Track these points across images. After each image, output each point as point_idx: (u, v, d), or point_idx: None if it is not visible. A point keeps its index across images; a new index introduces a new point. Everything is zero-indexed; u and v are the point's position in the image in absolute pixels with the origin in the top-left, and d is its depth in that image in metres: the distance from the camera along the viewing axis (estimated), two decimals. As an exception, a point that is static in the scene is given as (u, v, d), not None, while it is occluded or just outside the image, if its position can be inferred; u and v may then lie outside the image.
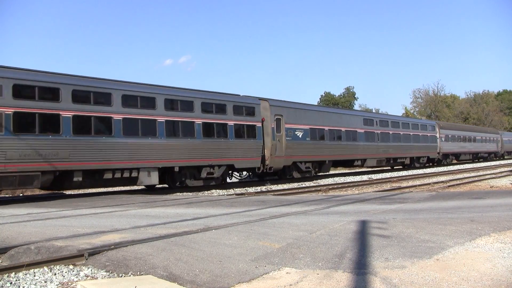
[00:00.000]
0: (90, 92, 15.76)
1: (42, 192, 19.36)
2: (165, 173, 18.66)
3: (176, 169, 18.41)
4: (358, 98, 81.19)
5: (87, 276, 5.58)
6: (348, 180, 24.72)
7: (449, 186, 19.50)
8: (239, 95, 22.57)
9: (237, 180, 23.92)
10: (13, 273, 5.68)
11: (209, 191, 19.11)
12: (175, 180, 19.07)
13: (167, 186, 19.86)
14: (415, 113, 78.68)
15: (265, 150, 22.18)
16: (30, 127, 14.05)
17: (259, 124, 21.91)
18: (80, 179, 15.35)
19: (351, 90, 75.88)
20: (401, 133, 34.96)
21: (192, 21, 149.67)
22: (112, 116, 16.12)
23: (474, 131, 51.64)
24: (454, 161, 48.57)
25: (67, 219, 10.02)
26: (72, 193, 18.91)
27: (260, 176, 24.56)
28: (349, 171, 35.41)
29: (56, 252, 6.44)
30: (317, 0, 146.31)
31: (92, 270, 5.73)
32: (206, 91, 20.72)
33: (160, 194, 17.69)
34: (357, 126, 29.63)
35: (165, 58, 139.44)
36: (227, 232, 7.72)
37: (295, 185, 22.57)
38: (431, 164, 41.57)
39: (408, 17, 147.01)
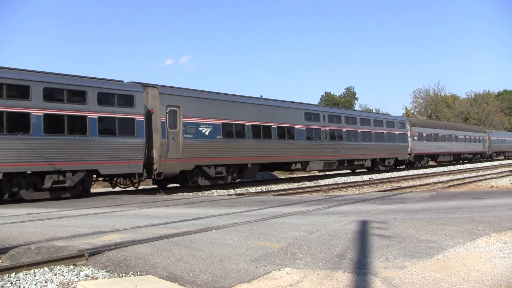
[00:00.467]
0: None
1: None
2: None
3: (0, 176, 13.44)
4: (358, 98, 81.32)
5: (87, 276, 5.58)
6: (349, 180, 24.71)
7: (449, 186, 19.50)
8: (117, 81, 17.43)
9: (122, 189, 18.51)
10: (14, 273, 5.68)
11: (209, 191, 19.11)
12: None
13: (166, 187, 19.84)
14: (415, 113, 78.66)
15: (153, 151, 17.52)
16: None
17: (140, 118, 16.92)
18: None
19: (352, 90, 75.90)
20: (359, 130, 29.79)
21: (192, 21, 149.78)
22: None
23: (455, 129, 46.76)
24: (432, 163, 43.91)
25: (68, 219, 10.02)
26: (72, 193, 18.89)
27: (159, 182, 19.94)
28: (349, 171, 34.73)
29: (57, 252, 6.44)
30: (317, 0, 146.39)
31: (93, 270, 5.74)
32: (51, 73, 15.38)
33: (160, 195, 17.69)
34: (295, 122, 24.42)
35: (165, 58, 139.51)
36: (228, 232, 7.72)
37: (296, 185, 22.57)
38: (398, 167, 36.67)
39: (408, 17, 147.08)
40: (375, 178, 25.63)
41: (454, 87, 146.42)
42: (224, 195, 17.41)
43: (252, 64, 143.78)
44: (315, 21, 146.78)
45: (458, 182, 21.43)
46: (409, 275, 5.05)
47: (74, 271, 5.76)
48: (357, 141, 29.43)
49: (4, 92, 13.65)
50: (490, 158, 55.67)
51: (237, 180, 22.15)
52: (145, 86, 17.84)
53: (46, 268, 5.86)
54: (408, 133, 35.73)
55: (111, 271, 5.65)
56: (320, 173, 28.77)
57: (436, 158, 42.14)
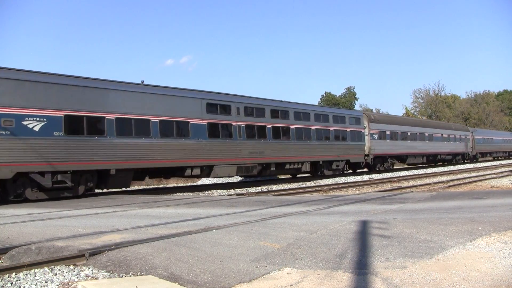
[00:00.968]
0: None
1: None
2: None
3: None
4: (359, 98, 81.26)
5: (87, 276, 5.58)
6: (349, 180, 24.71)
7: (449, 186, 19.50)
8: None
9: None
10: (14, 273, 5.68)
11: (209, 191, 19.11)
12: None
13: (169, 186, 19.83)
14: (415, 113, 78.64)
15: None
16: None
17: None
18: None
19: (352, 90, 75.88)
20: (293, 127, 24.23)
21: (193, 21, 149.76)
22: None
23: (429, 127, 41.22)
24: (400, 165, 38.48)
25: (68, 219, 10.02)
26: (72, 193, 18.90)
27: None
28: (349, 171, 34.56)
29: (57, 252, 6.44)
30: (317, 0, 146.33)
31: (93, 270, 5.74)
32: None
33: (160, 194, 17.70)
34: (190, 114, 18.99)
35: (166, 58, 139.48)
36: (228, 232, 7.72)
37: (296, 185, 22.57)
38: (349, 171, 31.10)
39: (408, 17, 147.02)
40: (375, 178, 25.63)
41: (454, 87, 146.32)
42: (224, 195, 17.41)
43: (252, 64, 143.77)
44: (315, 21, 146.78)
45: (459, 182, 21.43)
46: (410, 275, 5.05)
47: (74, 271, 5.76)
48: (289, 139, 23.95)
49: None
50: (474, 159, 50.85)
51: (96, 191, 17.64)
52: None
53: (46, 268, 5.86)
54: (366, 131, 30.36)
55: (111, 271, 5.65)
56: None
57: (404, 160, 36.43)
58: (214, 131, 19.92)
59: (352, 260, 5.70)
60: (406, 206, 11.29)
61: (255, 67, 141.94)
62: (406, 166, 39.47)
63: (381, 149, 32.13)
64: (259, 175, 23.35)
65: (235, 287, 4.84)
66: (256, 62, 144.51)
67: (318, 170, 26.46)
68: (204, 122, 19.53)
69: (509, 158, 60.90)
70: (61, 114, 15.17)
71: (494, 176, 24.87)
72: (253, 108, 22.25)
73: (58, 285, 5.31)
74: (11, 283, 5.35)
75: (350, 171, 31.68)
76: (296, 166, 24.66)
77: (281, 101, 25.00)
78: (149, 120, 17.50)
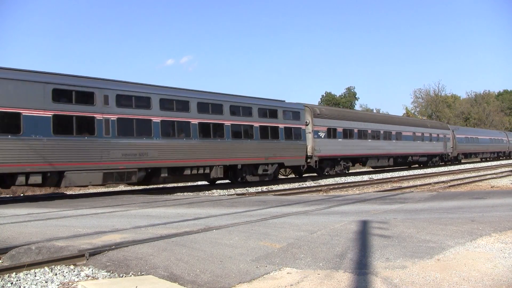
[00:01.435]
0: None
1: (43, 192, 19.38)
2: None
3: None
4: (359, 98, 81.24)
5: (88, 276, 5.58)
6: (349, 180, 24.70)
7: (450, 186, 19.50)
8: None
9: None
10: (14, 273, 5.68)
11: (210, 191, 19.11)
12: None
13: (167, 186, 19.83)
14: (415, 113, 78.65)
15: None
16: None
17: None
18: None
19: (352, 90, 75.90)
20: (195, 121, 18.77)
21: (193, 21, 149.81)
22: None
23: (398, 124, 34.95)
24: (360, 168, 34.75)
25: (68, 219, 10.03)
26: (73, 193, 18.93)
27: None
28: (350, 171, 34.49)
29: (57, 252, 6.44)
30: (317, 0, 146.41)
31: (93, 270, 5.74)
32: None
33: (161, 194, 17.69)
34: (25, 105, 14.06)
35: (166, 58, 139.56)
36: (228, 232, 7.72)
37: (296, 185, 22.57)
38: (291, 177, 26.94)
39: (408, 17, 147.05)
40: (376, 178, 25.63)
41: (455, 87, 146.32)
42: (224, 195, 17.41)
43: (252, 64, 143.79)
44: (315, 21, 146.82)
45: (459, 182, 21.44)
46: (410, 275, 5.05)
47: (74, 271, 5.76)
48: (190, 137, 18.51)
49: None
50: (456, 161, 45.06)
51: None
52: None
53: (46, 268, 5.86)
54: (309, 127, 24.93)
55: (111, 271, 5.65)
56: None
57: (365, 163, 30.96)
58: (65, 126, 14.96)
59: (352, 260, 5.70)
60: (406, 206, 11.29)
61: (255, 67, 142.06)
62: (368, 169, 35.34)
63: (329, 149, 26.27)
64: (144, 183, 18.57)
65: (235, 287, 4.84)
66: (257, 62, 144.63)
67: (238, 175, 21.09)
68: (48, 114, 14.55)
69: (498, 159, 56.00)
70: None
71: (494, 176, 24.87)
72: (132, 96, 17.07)
73: (58, 285, 5.32)
74: (11, 283, 5.36)
75: (292, 175, 26.96)
76: (201, 171, 19.05)
77: (178, 88, 19.31)
78: None
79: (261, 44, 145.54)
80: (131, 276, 5.43)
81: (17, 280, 5.46)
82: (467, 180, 22.17)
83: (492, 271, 5.17)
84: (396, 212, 10.05)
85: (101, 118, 15.93)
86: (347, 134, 28.15)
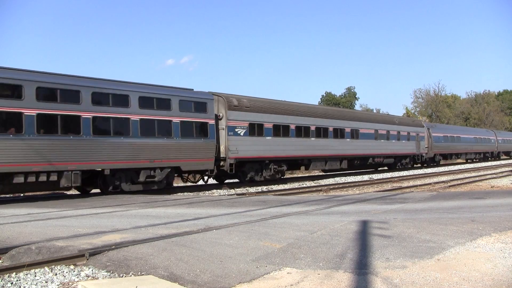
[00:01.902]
0: None
1: (44, 192, 19.39)
2: None
3: None
4: (359, 98, 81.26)
5: (88, 276, 5.58)
6: (349, 180, 24.71)
7: (450, 186, 19.51)
8: None
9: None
10: (14, 273, 5.68)
11: (210, 191, 19.11)
12: None
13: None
14: (415, 113, 78.65)
15: None
16: None
17: None
18: None
19: (352, 90, 75.92)
20: (32, 112, 14.04)
21: (194, 21, 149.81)
22: None
23: (353, 120, 29.07)
24: (302, 173, 30.19)
25: (68, 219, 10.03)
26: (73, 193, 18.93)
27: None
28: (350, 171, 34.23)
29: (57, 252, 6.44)
30: (317, 0, 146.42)
31: (93, 270, 5.74)
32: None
33: (161, 194, 17.69)
34: None
35: (167, 58, 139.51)
36: (228, 232, 7.72)
37: (296, 185, 22.58)
38: (202, 183, 21.40)
39: (408, 17, 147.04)
40: (376, 178, 25.64)
41: (455, 87, 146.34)
42: (224, 195, 17.41)
43: (253, 64, 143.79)
44: (315, 21, 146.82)
45: (459, 182, 21.44)
46: (410, 275, 5.05)
47: (74, 271, 5.76)
48: (22, 133, 13.82)
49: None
50: (433, 162, 40.43)
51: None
52: None
53: (46, 268, 5.86)
54: (222, 122, 20.21)
55: (111, 271, 5.65)
56: (320, 173, 28.52)
57: (307, 165, 25.46)
58: None
59: (352, 260, 5.70)
60: (406, 206, 11.29)
61: (256, 67, 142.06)
62: (314, 173, 30.60)
63: (253, 150, 21.28)
64: None
65: (235, 287, 4.84)
66: (257, 62, 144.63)
67: (108, 184, 16.50)
68: None
69: (485, 161, 51.63)
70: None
71: (494, 176, 24.88)
72: None
73: (58, 285, 5.32)
74: (11, 283, 5.36)
75: (202, 182, 21.43)
76: (44, 178, 14.32)
77: (8, 68, 14.29)
78: None
79: (262, 44, 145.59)
80: (131, 276, 5.43)
81: (17, 280, 5.46)
82: (467, 180, 22.17)
83: (492, 271, 5.16)
84: (396, 212, 10.05)
85: None
86: (280, 131, 22.94)
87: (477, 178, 23.27)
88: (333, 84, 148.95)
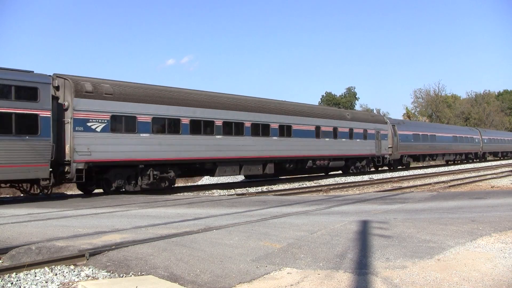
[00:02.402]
0: None
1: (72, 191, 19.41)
2: None
3: None
4: (359, 98, 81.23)
5: (88, 276, 5.58)
6: (349, 180, 24.70)
7: (450, 186, 19.51)
8: None
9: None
10: (14, 273, 5.69)
11: (210, 191, 19.11)
12: None
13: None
14: (416, 113, 78.67)
15: None
16: None
17: None
18: None
19: (353, 90, 75.92)
20: None
21: (194, 21, 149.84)
22: None
23: (279, 112, 22.97)
24: (194, 182, 25.99)
25: (68, 219, 10.03)
26: (73, 193, 18.93)
27: None
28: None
29: (57, 252, 6.44)
30: (317, 0, 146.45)
31: (93, 270, 5.74)
32: None
33: (161, 194, 17.69)
34: None
35: (167, 58, 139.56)
36: (228, 232, 7.72)
37: (296, 185, 22.58)
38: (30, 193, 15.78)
39: (408, 17, 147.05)
40: (376, 178, 25.63)
41: (455, 87, 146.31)
42: (224, 195, 17.41)
43: (253, 64, 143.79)
44: (315, 21, 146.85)
45: (459, 182, 21.44)
46: (410, 275, 5.05)
47: (74, 271, 5.76)
48: None
49: None
50: (401, 165, 34.43)
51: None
52: None
53: (46, 268, 5.86)
54: (68, 114, 15.17)
55: (111, 271, 5.65)
56: (321, 173, 28.44)
57: (212, 171, 20.01)
58: None
59: (352, 260, 5.70)
60: (406, 206, 11.29)
61: (256, 67, 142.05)
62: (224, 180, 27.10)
63: (116, 151, 16.18)
64: None
65: (235, 287, 4.84)
66: (257, 62, 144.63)
67: None
68: None
69: (468, 162, 46.39)
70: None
71: (494, 176, 24.88)
72: None
73: (58, 285, 5.32)
74: (12, 283, 5.36)
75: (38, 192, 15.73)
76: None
77: None
78: None
79: (262, 44, 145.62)
80: (131, 276, 5.43)
81: (17, 280, 5.46)
82: (467, 180, 22.17)
83: (492, 271, 5.16)
84: (396, 212, 10.05)
85: None
86: (165, 126, 17.85)
87: (477, 178, 23.27)
88: (333, 84, 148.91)
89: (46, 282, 5.41)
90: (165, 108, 17.74)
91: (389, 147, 31.53)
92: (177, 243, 6.79)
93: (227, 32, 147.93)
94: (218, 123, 19.69)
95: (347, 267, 5.39)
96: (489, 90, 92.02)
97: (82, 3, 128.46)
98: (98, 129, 15.71)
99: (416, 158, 36.95)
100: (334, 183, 22.90)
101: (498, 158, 57.66)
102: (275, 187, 21.34)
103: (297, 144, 23.57)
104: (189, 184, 22.02)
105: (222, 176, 21.97)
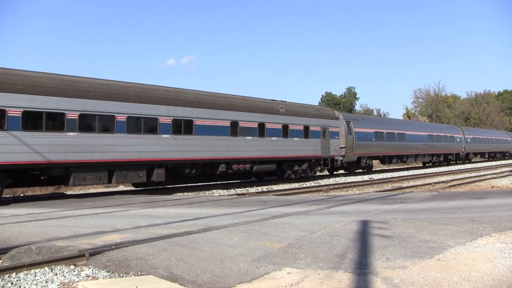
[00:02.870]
0: None
1: (43, 192, 19.38)
2: None
3: None
4: (359, 98, 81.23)
5: (88, 276, 5.58)
6: (349, 180, 24.69)
7: (450, 186, 19.50)
8: None
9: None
10: (14, 273, 5.68)
11: (210, 191, 19.10)
12: None
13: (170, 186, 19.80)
14: (416, 113, 78.66)
15: None
16: None
17: None
18: None
19: (353, 90, 75.88)
20: None
21: (195, 21, 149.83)
22: None
23: (164, 103, 17.67)
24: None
25: (68, 219, 10.03)
26: (73, 193, 18.93)
27: None
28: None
29: (57, 252, 6.44)
30: (317, 0, 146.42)
31: (93, 270, 5.74)
32: None
33: (161, 194, 17.69)
34: None
35: (167, 58, 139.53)
36: (228, 232, 7.72)
37: (296, 185, 22.56)
38: None
39: (408, 17, 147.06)
40: (376, 178, 25.62)
41: (455, 87, 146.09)
42: (224, 195, 17.41)
43: (253, 64, 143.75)
44: (315, 21, 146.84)
45: (459, 182, 21.43)
46: (410, 275, 5.05)
47: (74, 271, 5.76)
48: None
49: None
50: (360, 168, 29.70)
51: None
52: None
53: (46, 268, 5.86)
54: None
55: (111, 271, 5.65)
56: (321, 173, 28.35)
57: (65, 179, 15.10)
58: None
59: (352, 260, 5.69)
60: (406, 206, 11.29)
61: (256, 67, 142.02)
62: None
63: None
64: None
65: (235, 287, 4.84)
66: (257, 62, 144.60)
67: None
68: None
69: (449, 164, 41.46)
70: None
71: (494, 176, 24.87)
72: None
73: (58, 285, 5.32)
74: (12, 283, 5.36)
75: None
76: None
77: None
78: None
79: (262, 44, 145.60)
80: (131, 276, 5.43)
81: (17, 280, 5.46)
82: (467, 180, 22.16)
83: (492, 271, 5.16)
84: (396, 212, 10.05)
85: None
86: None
87: (477, 178, 23.26)
88: (333, 84, 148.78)
89: (46, 282, 5.41)
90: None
91: (341, 147, 26.71)
92: (177, 243, 6.79)
93: (227, 32, 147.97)
94: (72, 116, 14.90)
95: (347, 267, 5.39)
96: (489, 90, 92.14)
97: (82, 3, 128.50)
98: None
99: (382, 160, 32.84)
100: (334, 183, 22.89)
101: (486, 159, 52.77)
102: (275, 187, 21.34)
103: (203, 144, 18.69)
104: (189, 184, 21.86)
105: (82, 184, 15.78)
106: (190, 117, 18.43)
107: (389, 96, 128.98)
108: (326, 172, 28.63)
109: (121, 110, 16.24)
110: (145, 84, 18.24)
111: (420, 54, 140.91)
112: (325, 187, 19.84)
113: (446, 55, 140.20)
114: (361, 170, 30.28)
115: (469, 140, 45.63)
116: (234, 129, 20.16)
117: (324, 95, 75.20)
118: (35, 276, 5.63)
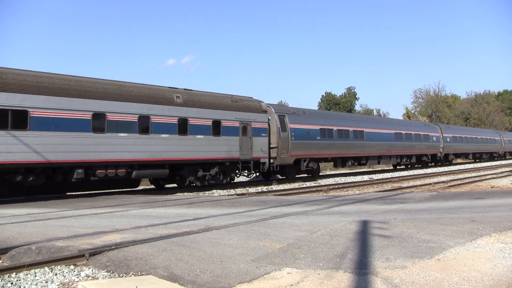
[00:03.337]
0: None
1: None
2: None
3: None
4: (359, 99, 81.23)
5: (88, 276, 5.58)
6: (349, 180, 24.70)
7: (450, 186, 19.50)
8: None
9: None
10: (14, 273, 5.68)
11: (210, 191, 19.09)
12: None
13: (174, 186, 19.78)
14: (416, 113, 78.66)
15: None
16: None
17: None
18: None
19: (353, 91, 75.89)
20: None
21: (195, 21, 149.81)
22: None
23: (48, 94, 14.06)
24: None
25: (68, 219, 10.02)
26: (73, 193, 18.92)
27: None
28: (349, 171, 33.96)
29: (57, 252, 6.44)
30: (317, 0, 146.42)
31: (93, 270, 5.74)
32: None
33: (161, 195, 17.68)
34: None
35: (167, 58, 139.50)
36: (228, 232, 7.71)
37: (296, 185, 22.56)
38: None
39: (409, 17, 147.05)
40: (376, 178, 25.62)
41: (455, 87, 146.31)
42: (224, 195, 17.40)
43: (253, 64, 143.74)
44: (315, 21, 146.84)
45: (459, 182, 21.43)
46: (410, 275, 5.05)
47: (74, 271, 5.76)
48: None
49: None
50: (308, 173, 24.90)
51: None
52: None
53: (46, 268, 5.86)
54: None
55: (111, 271, 5.65)
56: (321, 173, 28.33)
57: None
58: None
59: (352, 260, 5.69)
60: (406, 206, 11.29)
61: (256, 67, 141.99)
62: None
63: None
64: None
65: (235, 287, 4.84)
66: (257, 62, 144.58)
67: None
68: None
69: (425, 167, 36.91)
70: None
71: (494, 176, 24.87)
72: None
73: (58, 285, 5.31)
74: (11, 283, 5.35)
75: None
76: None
77: None
78: None
79: (262, 44, 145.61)
80: (131, 276, 5.43)
81: (17, 280, 5.46)
82: (467, 180, 22.16)
83: (492, 271, 5.16)
84: (396, 212, 10.04)
85: None
86: None
87: (477, 178, 23.26)
88: (333, 84, 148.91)
89: (46, 282, 5.40)
90: None
91: (271, 147, 21.99)
92: (177, 243, 6.78)
93: (227, 32, 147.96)
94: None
95: (347, 267, 5.39)
96: (489, 90, 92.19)
97: (82, 3, 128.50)
98: None
99: (334, 163, 27.52)
100: (334, 183, 22.89)
101: (473, 161, 47.08)
102: (275, 187, 21.33)
103: (45, 142, 14.18)
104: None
105: None
106: (24, 107, 13.70)
107: (389, 96, 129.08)
108: (245, 178, 23.61)
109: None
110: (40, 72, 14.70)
111: (420, 54, 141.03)
112: (325, 187, 19.85)
113: (446, 55, 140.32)
114: (305, 175, 24.99)
115: (448, 139, 40.33)
116: (99, 123, 15.53)
117: (324, 95, 75.26)
118: (35, 276, 5.63)
